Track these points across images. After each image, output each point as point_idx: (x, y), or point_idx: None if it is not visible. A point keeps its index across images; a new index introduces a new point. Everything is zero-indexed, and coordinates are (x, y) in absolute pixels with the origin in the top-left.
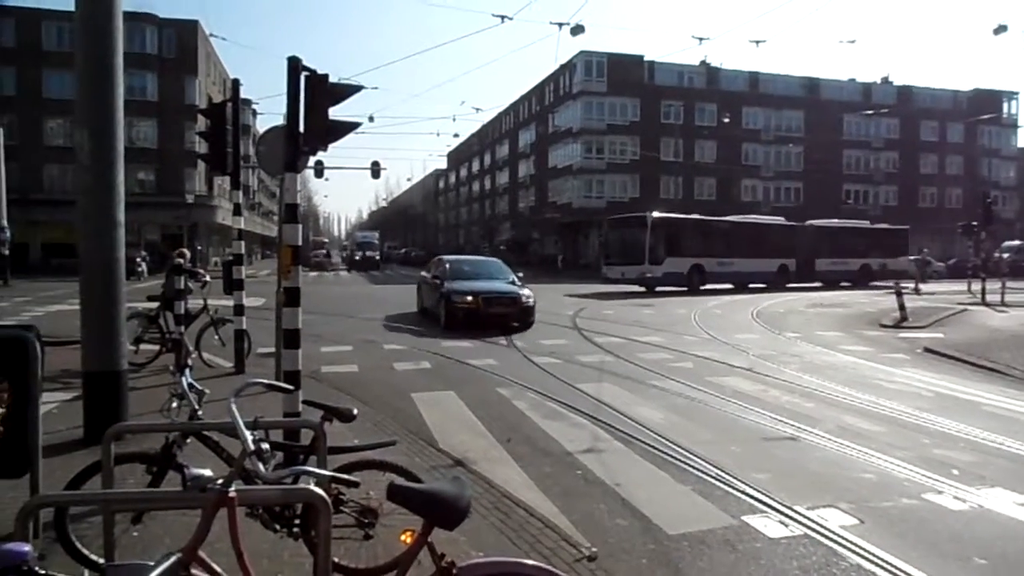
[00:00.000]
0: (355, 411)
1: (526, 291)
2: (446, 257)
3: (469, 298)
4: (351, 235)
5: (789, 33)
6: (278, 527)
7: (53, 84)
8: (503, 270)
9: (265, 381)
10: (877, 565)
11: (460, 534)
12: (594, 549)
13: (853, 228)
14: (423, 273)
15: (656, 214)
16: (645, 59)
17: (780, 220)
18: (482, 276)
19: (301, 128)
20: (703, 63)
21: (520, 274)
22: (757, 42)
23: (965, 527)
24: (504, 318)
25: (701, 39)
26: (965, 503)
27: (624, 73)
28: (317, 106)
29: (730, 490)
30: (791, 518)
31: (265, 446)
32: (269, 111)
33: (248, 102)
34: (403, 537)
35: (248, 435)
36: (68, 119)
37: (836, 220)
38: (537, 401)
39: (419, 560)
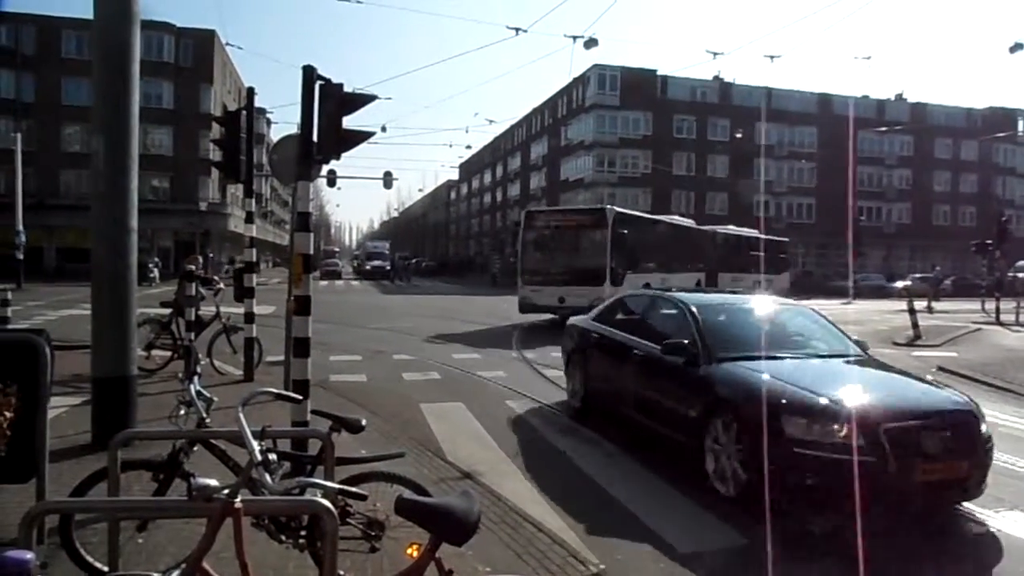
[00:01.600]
0: (364, 422)
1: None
2: (675, 295)
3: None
4: (362, 244)
5: (803, 49)
6: (284, 538)
7: (71, 91)
8: (823, 330)
9: (274, 391)
10: None
11: (467, 548)
12: (602, 566)
13: (747, 238)
14: (591, 324)
15: (618, 209)
16: (658, 73)
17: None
18: (791, 345)
19: (315, 137)
20: (716, 78)
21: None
22: (772, 57)
23: (984, 551)
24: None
25: (715, 54)
26: (984, 527)
27: (637, 87)
28: (331, 115)
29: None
30: None
31: (272, 456)
32: (284, 120)
33: (262, 111)
34: (409, 551)
35: (255, 445)
36: (85, 125)
37: (732, 227)
38: (546, 415)
39: (426, 575)
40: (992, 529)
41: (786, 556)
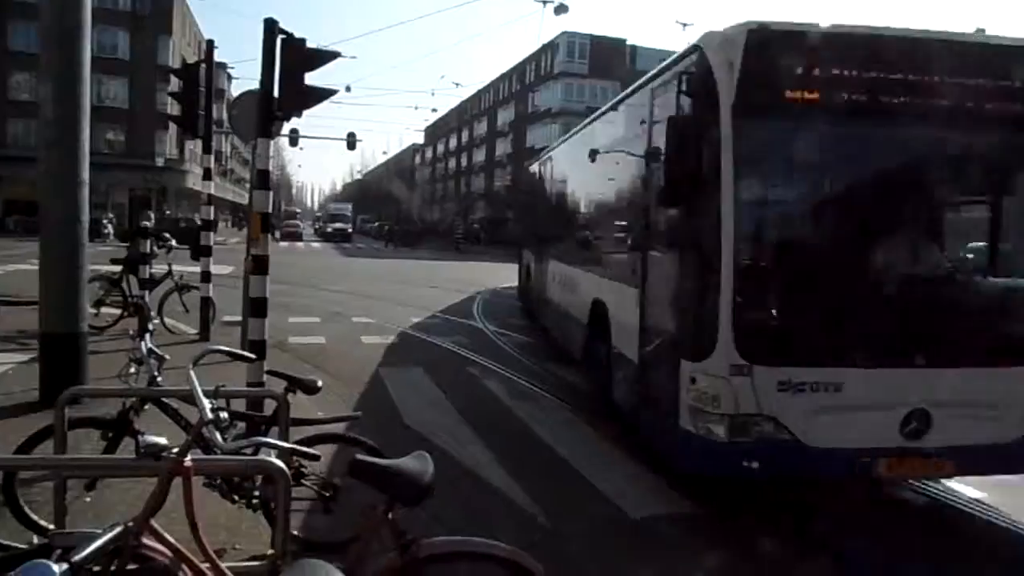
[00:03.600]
0: (320, 383)
1: None
2: None
3: None
4: (324, 206)
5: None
6: (237, 497)
7: (19, 36)
8: None
9: (227, 349)
10: None
11: (422, 511)
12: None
13: None
14: None
15: None
16: (628, 43)
17: None
18: None
19: (276, 93)
20: None
21: None
22: None
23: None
24: None
25: (685, 24)
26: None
27: (606, 56)
28: (292, 71)
29: None
30: None
31: (223, 415)
32: (245, 75)
33: (223, 66)
34: (365, 512)
35: (206, 403)
36: (35, 73)
37: None
38: (505, 380)
39: (380, 536)
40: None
41: (737, 522)
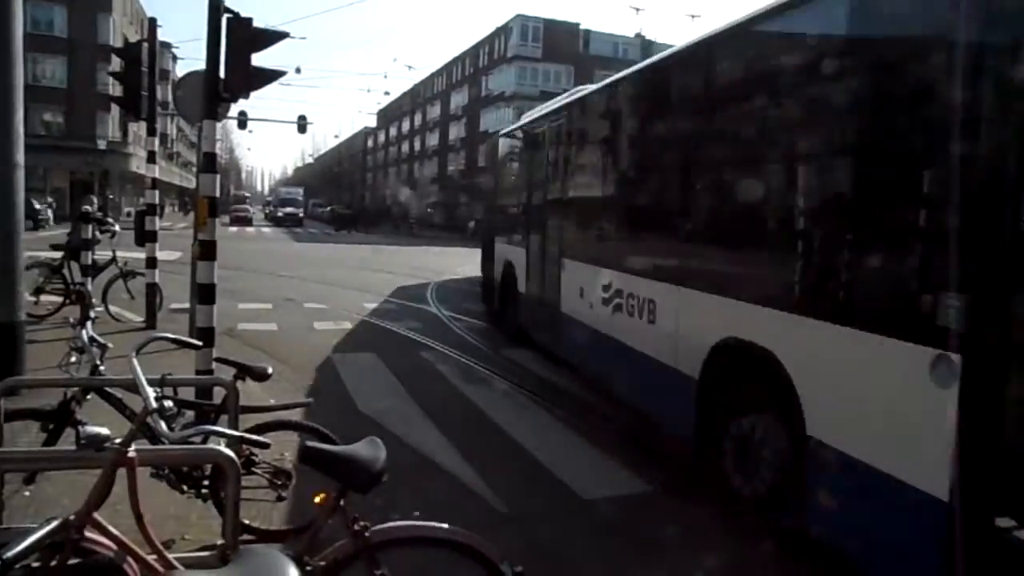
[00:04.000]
0: (270, 369)
1: None
2: None
3: None
4: (274, 191)
5: (723, 8)
6: (185, 488)
7: None
8: None
9: (172, 336)
10: None
11: (376, 497)
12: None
13: None
14: None
15: None
16: (581, 27)
17: None
18: None
19: (222, 73)
20: (639, 35)
21: None
22: (693, 16)
23: None
24: None
25: (638, 9)
26: None
27: (559, 40)
28: (239, 51)
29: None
30: None
31: (168, 403)
32: (191, 56)
33: (168, 45)
34: (317, 500)
35: (150, 392)
36: None
37: None
38: (458, 365)
39: (332, 523)
40: None
41: (687, 502)
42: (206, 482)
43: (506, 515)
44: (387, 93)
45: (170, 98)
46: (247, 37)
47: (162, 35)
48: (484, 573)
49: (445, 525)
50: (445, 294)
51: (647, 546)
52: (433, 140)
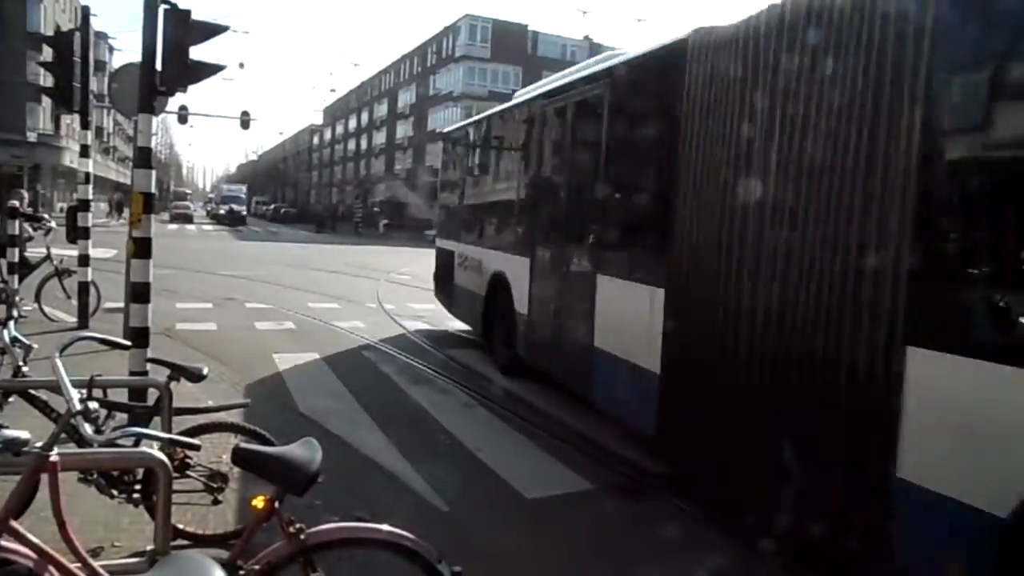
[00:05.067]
0: (205, 370)
1: None
2: None
3: None
4: (217, 188)
5: (669, 12)
6: (116, 492)
7: None
8: None
9: (100, 336)
10: None
11: (316, 499)
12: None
13: None
14: None
15: None
16: (529, 28)
17: None
18: None
19: (159, 66)
20: (586, 38)
21: None
22: (639, 20)
23: None
24: None
25: (584, 12)
26: None
27: (508, 40)
28: (176, 43)
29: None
30: None
31: (94, 405)
32: (130, 47)
33: (104, 35)
34: (255, 502)
35: (73, 393)
36: None
37: None
38: (402, 365)
39: (269, 526)
40: None
41: (628, 500)
42: (138, 487)
43: (448, 515)
44: (333, 90)
45: (107, 90)
46: (186, 30)
47: (99, 25)
48: (422, 573)
49: (382, 526)
50: (390, 293)
51: (587, 543)
52: (380, 138)
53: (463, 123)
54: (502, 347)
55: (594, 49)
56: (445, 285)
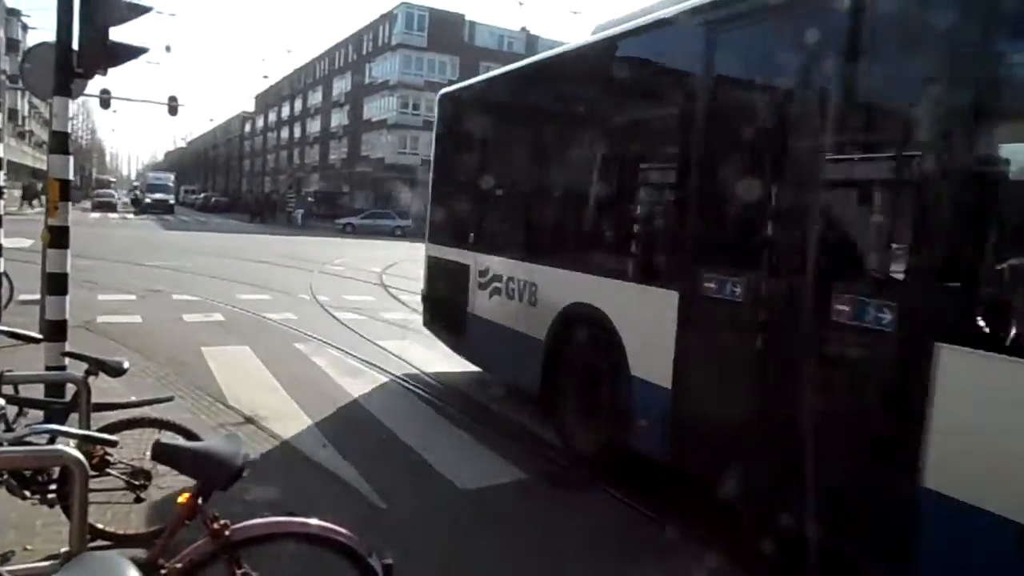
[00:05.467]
0: (126, 364)
1: None
2: None
3: None
4: (142, 175)
5: (605, 5)
6: (29, 493)
7: None
8: None
9: (5, 329)
10: None
11: (246, 494)
12: (384, 505)
13: None
14: None
15: None
16: (467, 18)
17: None
18: None
19: (75, 46)
20: (524, 29)
21: None
22: (575, 12)
23: None
24: None
25: (521, 3)
26: None
27: (445, 30)
28: (95, 23)
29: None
30: None
31: (1, 402)
32: (45, 27)
33: (16, 12)
34: (180, 499)
35: None
36: None
37: None
38: (336, 358)
39: (193, 524)
40: None
41: (563, 490)
42: (53, 486)
43: (383, 509)
44: (266, 77)
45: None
46: (104, 9)
47: (11, 2)
48: (352, 567)
49: (310, 520)
50: (323, 283)
51: (519, 530)
52: (314, 127)
53: (489, 75)
54: (584, 425)
55: (531, 41)
56: (449, 313)
